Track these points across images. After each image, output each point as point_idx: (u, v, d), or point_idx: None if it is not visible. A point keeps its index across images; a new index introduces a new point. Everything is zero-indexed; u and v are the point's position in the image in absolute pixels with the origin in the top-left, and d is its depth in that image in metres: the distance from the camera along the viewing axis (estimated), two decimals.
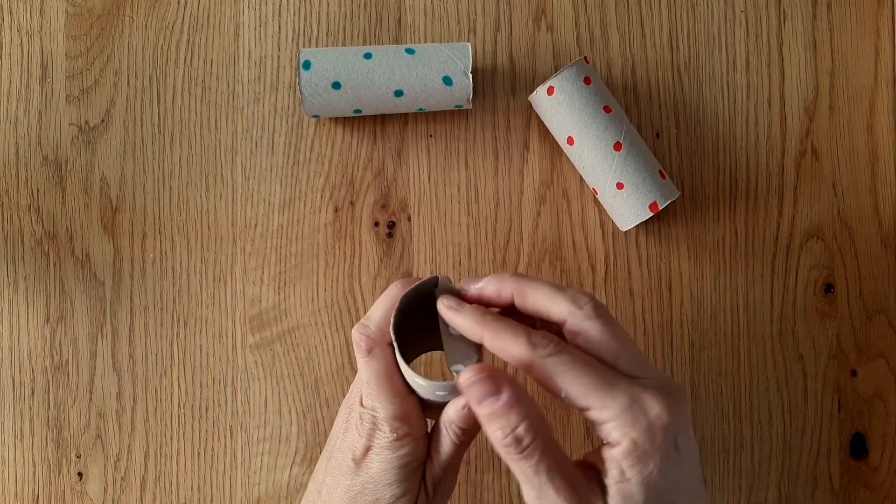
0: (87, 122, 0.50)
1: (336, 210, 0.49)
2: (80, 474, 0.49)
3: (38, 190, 0.50)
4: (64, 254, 0.49)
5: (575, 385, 0.31)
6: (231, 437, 0.49)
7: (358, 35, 0.50)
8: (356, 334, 0.37)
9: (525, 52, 0.50)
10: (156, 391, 0.49)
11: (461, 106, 0.47)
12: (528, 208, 0.49)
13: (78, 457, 0.49)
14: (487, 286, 0.36)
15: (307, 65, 0.45)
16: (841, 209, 0.50)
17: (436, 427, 0.37)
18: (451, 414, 0.35)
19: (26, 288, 0.49)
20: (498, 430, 0.31)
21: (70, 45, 0.50)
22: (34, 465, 0.49)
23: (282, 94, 0.50)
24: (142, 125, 0.50)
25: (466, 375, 0.32)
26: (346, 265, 0.49)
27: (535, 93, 0.47)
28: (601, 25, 0.50)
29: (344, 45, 0.50)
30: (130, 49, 0.50)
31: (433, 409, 0.38)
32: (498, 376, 0.32)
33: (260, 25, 0.50)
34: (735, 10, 0.50)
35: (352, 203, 0.49)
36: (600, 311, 0.33)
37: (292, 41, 0.50)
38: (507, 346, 0.32)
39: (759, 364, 0.49)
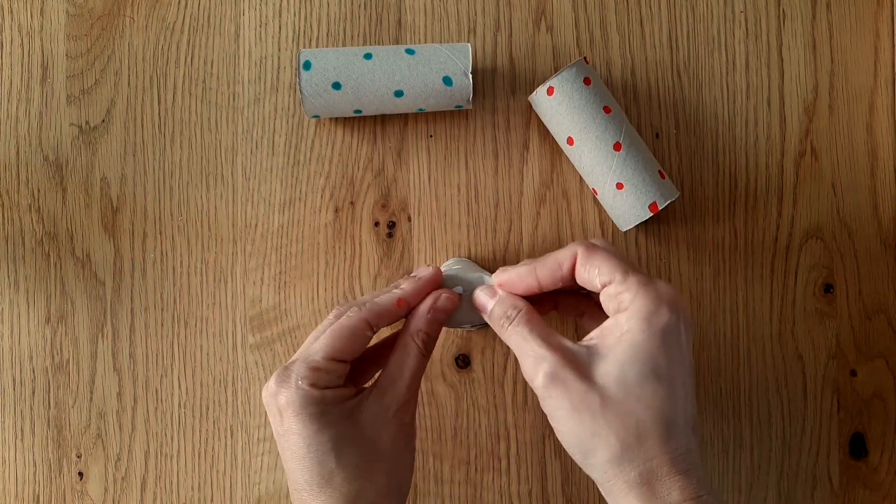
0: (87, 123, 0.50)
1: (336, 210, 0.49)
2: (80, 474, 0.49)
3: (38, 190, 0.50)
4: (64, 254, 0.50)
5: (606, 265, 0.37)
6: (231, 437, 0.49)
7: (358, 35, 0.50)
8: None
9: (525, 53, 0.50)
10: (156, 391, 0.49)
11: (461, 106, 0.47)
12: (528, 208, 0.49)
13: (78, 457, 0.49)
14: (513, 273, 0.42)
15: (307, 65, 0.45)
16: (840, 209, 0.50)
17: (399, 345, 0.41)
18: (418, 322, 0.41)
19: (27, 288, 0.50)
20: (499, 319, 0.40)
21: (70, 45, 0.50)
22: (34, 465, 0.49)
23: (282, 95, 0.50)
24: (142, 125, 0.50)
25: (479, 292, 0.42)
26: (346, 265, 0.49)
27: (534, 93, 0.47)
28: (601, 26, 0.50)
29: (344, 45, 0.50)
30: (131, 49, 0.50)
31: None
32: (493, 289, 0.42)
33: (260, 26, 0.50)
34: (734, 11, 0.50)
35: (352, 203, 0.50)
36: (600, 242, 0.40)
37: (292, 42, 0.50)
38: (556, 258, 0.40)
39: (758, 364, 0.49)
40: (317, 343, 0.39)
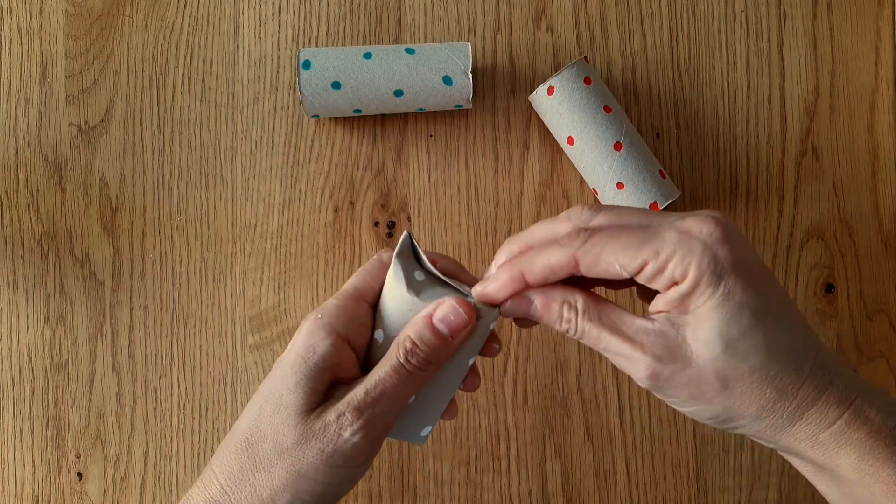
0: (86, 122, 0.50)
1: (336, 210, 0.49)
2: (79, 475, 0.49)
3: (37, 190, 0.50)
4: (63, 254, 0.49)
5: (622, 250, 0.31)
6: None
7: (358, 35, 0.50)
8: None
9: (525, 52, 0.50)
10: (155, 391, 0.49)
11: (461, 106, 0.47)
12: (528, 208, 0.49)
13: (78, 457, 0.49)
14: (497, 284, 0.33)
15: (307, 64, 0.45)
16: (841, 209, 0.50)
17: (384, 357, 0.34)
18: (409, 328, 0.33)
19: (26, 288, 0.49)
20: (555, 324, 0.33)
21: (70, 44, 0.50)
22: (34, 466, 0.49)
23: (281, 94, 0.50)
24: (141, 125, 0.50)
25: (500, 298, 0.33)
26: (345, 265, 0.49)
27: (535, 92, 0.47)
28: (601, 25, 0.50)
29: (344, 44, 0.50)
30: (130, 49, 0.50)
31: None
32: (522, 293, 0.33)
33: (259, 25, 0.50)
34: (735, 10, 0.50)
35: (352, 203, 0.49)
36: (599, 207, 0.33)
37: (292, 41, 0.50)
38: (547, 260, 0.32)
39: None
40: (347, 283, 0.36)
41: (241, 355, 0.49)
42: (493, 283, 0.33)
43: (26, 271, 0.49)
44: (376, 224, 0.49)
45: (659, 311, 0.31)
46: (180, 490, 0.49)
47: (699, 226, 0.30)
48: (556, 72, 0.49)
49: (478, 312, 0.34)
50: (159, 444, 0.49)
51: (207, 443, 0.49)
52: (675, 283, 0.30)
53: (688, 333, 0.31)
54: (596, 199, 0.49)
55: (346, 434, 0.32)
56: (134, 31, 0.50)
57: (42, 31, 0.50)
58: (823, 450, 0.31)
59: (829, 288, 0.49)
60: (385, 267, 0.36)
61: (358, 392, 0.33)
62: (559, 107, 0.46)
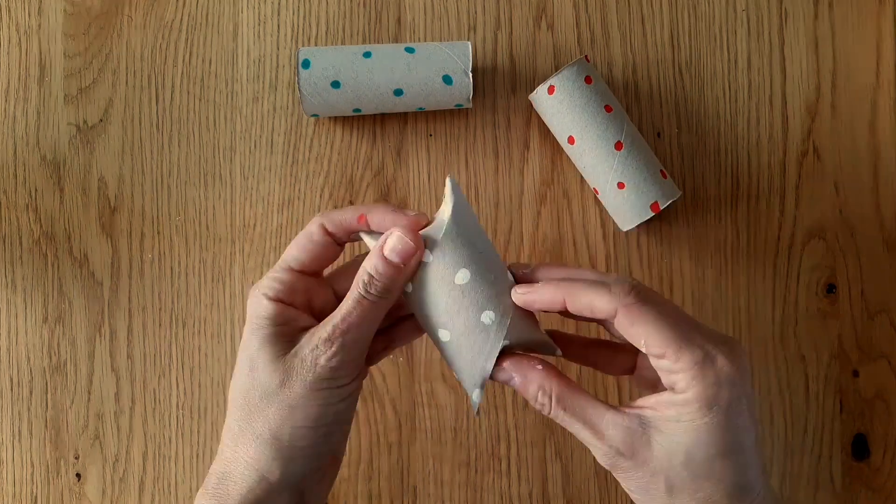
0: (85, 122, 0.50)
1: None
2: (78, 475, 0.49)
3: (36, 190, 0.49)
4: (62, 254, 0.49)
5: (656, 333, 0.33)
6: None
7: (357, 34, 0.50)
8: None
9: (525, 51, 0.50)
10: (154, 392, 0.49)
11: (461, 105, 0.47)
12: (529, 208, 0.49)
13: (76, 458, 0.49)
14: (539, 298, 0.36)
15: (306, 64, 0.45)
16: (843, 209, 0.50)
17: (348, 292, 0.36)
18: (366, 262, 0.35)
19: (24, 288, 0.49)
20: (531, 401, 0.36)
21: (68, 44, 0.50)
22: (32, 466, 0.49)
23: (281, 94, 0.49)
24: (140, 124, 0.50)
25: (506, 369, 0.37)
26: None
27: (535, 92, 0.47)
28: (602, 24, 0.50)
29: (343, 43, 0.50)
30: (129, 48, 0.50)
31: None
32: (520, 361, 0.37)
33: (259, 24, 0.50)
34: (736, 10, 0.50)
35: (351, 202, 0.49)
36: (643, 288, 0.35)
37: (291, 40, 0.50)
38: (592, 300, 0.34)
39: (760, 365, 0.49)
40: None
41: None
42: (536, 294, 0.36)
43: (25, 271, 0.49)
44: None
45: (639, 407, 0.34)
46: (179, 491, 0.49)
47: (724, 361, 0.33)
48: (556, 71, 0.48)
49: (425, 242, 0.36)
50: (158, 445, 0.49)
51: (206, 444, 0.49)
52: (672, 389, 0.33)
53: (654, 437, 0.33)
54: (596, 199, 0.49)
55: (322, 360, 0.35)
56: (133, 30, 0.50)
57: (41, 30, 0.50)
58: None
59: (830, 288, 0.49)
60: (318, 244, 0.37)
61: (326, 327, 0.35)
62: (560, 106, 0.46)
